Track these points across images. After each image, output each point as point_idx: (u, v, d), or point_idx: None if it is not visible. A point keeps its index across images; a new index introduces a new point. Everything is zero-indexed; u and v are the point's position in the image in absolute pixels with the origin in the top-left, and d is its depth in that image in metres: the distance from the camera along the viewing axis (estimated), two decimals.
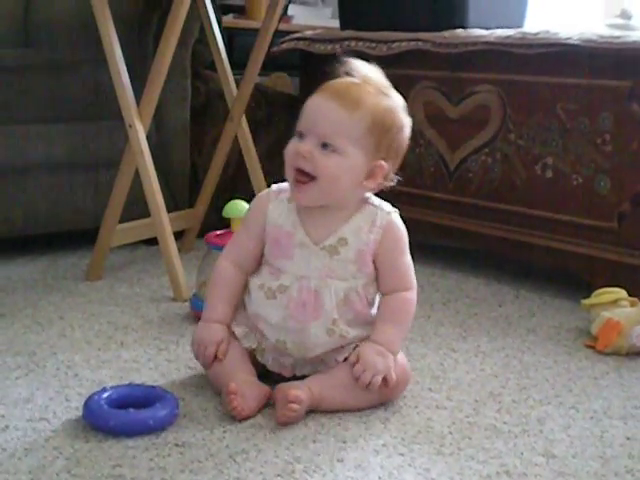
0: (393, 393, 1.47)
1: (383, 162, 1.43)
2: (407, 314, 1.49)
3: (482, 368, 1.67)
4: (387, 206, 1.49)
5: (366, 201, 1.48)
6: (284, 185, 1.50)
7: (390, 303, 1.48)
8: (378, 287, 1.49)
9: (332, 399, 1.40)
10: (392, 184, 1.47)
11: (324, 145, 1.39)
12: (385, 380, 1.42)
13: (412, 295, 1.50)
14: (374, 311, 1.49)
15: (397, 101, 1.47)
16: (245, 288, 1.53)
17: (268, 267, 1.49)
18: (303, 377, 1.48)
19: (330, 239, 1.44)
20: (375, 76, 1.47)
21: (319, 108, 1.41)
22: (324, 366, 1.49)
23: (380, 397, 1.45)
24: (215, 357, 1.47)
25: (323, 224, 1.45)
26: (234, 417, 1.38)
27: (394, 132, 1.44)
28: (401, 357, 1.49)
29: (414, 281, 1.51)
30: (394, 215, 1.48)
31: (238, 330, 1.51)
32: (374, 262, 1.47)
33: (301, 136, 1.41)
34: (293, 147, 1.41)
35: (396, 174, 1.48)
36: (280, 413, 1.35)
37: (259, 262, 1.52)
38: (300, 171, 1.40)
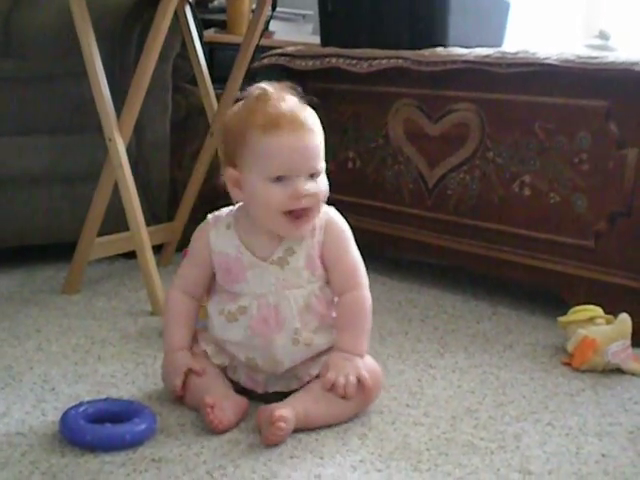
0: (370, 396, 1.48)
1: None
2: (362, 314, 1.50)
3: (459, 384, 1.67)
4: (323, 206, 1.48)
5: None
6: (219, 213, 1.53)
7: (344, 308, 1.49)
8: (331, 289, 1.50)
9: (316, 416, 1.41)
10: None
11: (313, 174, 1.41)
12: (359, 382, 1.43)
13: (364, 292, 1.50)
14: (334, 312, 1.51)
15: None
16: (198, 313, 1.56)
17: (224, 293, 1.50)
18: (275, 394, 1.49)
19: (277, 252, 1.46)
20: (288, 91, 1.46)
21: (298, 147, 1.39)
22: (297, 381, 1.49)
23: (359, 404, 1.46)
24: (184, 387, 1.47)
25: (267, 240, 1.46)
26: (213, 430, 1.38)
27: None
28: (370, 361, 1.50)
29: (364, 278, 1.51)
30: (332, 212, 1.50)
31: (209, 348, 1.52)
32: (322, 263, 1.48)
33: (282, 179, 1.39)
34: (281, 193, 1.39)
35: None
36: (268, 433, 1.34)
37: (207, 288, 1.54)
38: (298, 211, 1.41)
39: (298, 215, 1.42)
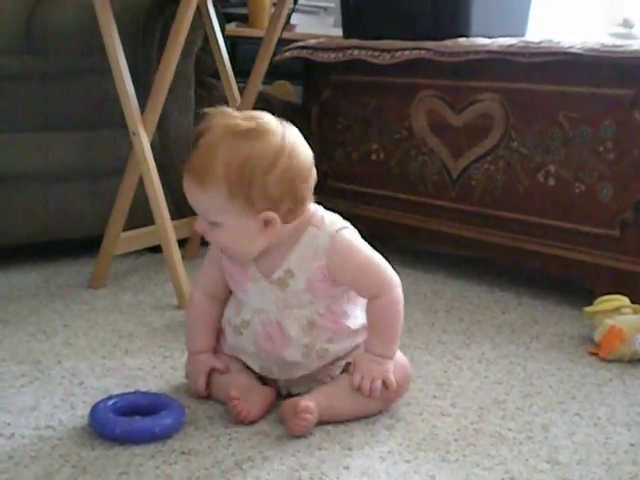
0: (397, 394, 1.47)
1: (270, 213, 1.34)
2: (394, 318, 1.45)
3: (486, 375, 1.67)
4: (329, 226, 1.41)
5: (309, 222, 1.41)
6: None
7: (374, 313, 1.45)
8: (360, 296, 1.47)
9: (341, 409, 1.40)
10: (311, 211, 1.41)
11: (209, 222, 1.38)
12: (385, 384, 1.42)
13: (391, 297, 1.43)
14: (353, 320, 1.46)
15: (260, 135, 1.34)
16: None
17: (234, 301, 1.50)
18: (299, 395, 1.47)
19: (278, 272, 1.41)
20: (230, 117, 1.37)
21: (188, 192, 1.37)
22: (318, 383, 1.47)
23: (384, 402, 1.46)
24: (207, 388, 1.48)
25: (271, 257, 1.42)
26: (241, 422, 1.38)
27: (261, 180, 1.33)
28: (399, 356, 1.48)
29: (390, 281, 1.43)
30: (335, 234, 1.40)
31: (228, 351, 1.52)
32: (336, 284, 1.42)
33: None
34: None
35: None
36: (292, 423, 1.34)
37: (229, 289, 1.52)
38: None
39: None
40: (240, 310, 1.47)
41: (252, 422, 1.39)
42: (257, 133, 1.33)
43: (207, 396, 1.49)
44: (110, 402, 1.38)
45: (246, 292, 1.45)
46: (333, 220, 1.43)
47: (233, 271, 1.46)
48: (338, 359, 1.47)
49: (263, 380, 1.50)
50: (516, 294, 2.25)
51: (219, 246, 1.42)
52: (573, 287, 2.21)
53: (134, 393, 1.46)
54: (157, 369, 1.64)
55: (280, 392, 1.50)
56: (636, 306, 1.87)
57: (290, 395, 1.49)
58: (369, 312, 1.46)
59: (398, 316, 1.46)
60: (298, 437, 1.35)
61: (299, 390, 1.49)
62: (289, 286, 1.41)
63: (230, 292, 1.52)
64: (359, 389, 1.41)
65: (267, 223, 1.35)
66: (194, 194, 1.36)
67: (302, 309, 1.43)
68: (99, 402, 1.38)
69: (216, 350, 1.52)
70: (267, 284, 1.42)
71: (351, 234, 1.43)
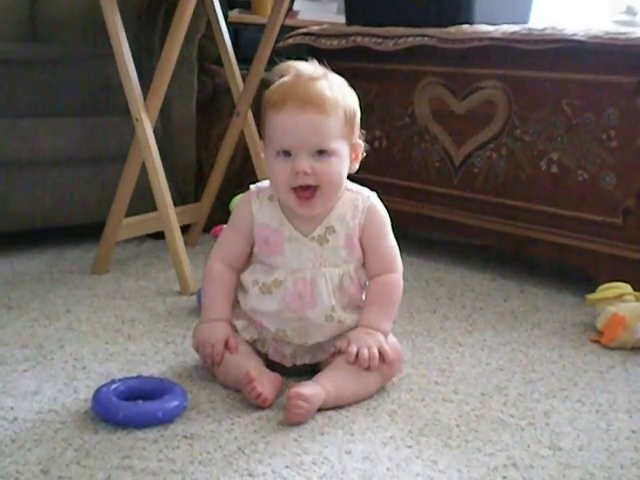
0: (392, 369, 1.50)
1: (359, 140, 1.49)
2: (392, 294, 1.52)
3: (488, 362, 1.67)
4: (366, 190, 1.52)
5: (346, 188, 1.50)
6: (262, 184, 1.53)
7: (375, 286, 1.51)
8: (366, 271, 1.52)
9: (346, 392, 1.42)
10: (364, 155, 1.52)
11: (320, 153, 1.41)
12: (381, 355, 1.44)
13: (397, 277, 1.52)
14: (363, 296, 1.52)
15: (341, 81, 1.49)
16: (238, 285, 1.55)
17: (260, 264, 1.51)
18: (304, 366, 1.51)
19: (318, 229, 1.47)
20: (318, 70, 1.47)
21: (299, 123, 1.40)
22: (324, 353, 1.51)
23: (383, 376, 1.48)
24: (222, 355, 1.48)
25: (310, 217, 1.47)
26: (259, 404, 1.39)
27: (357, 112, 1.49)
28: (390, 337, 1.51)
29: (399, 263, 1.54)
30: (374, 198, 1.52)
31: (238, 323, 1.53)
32: (361, 245, 1.50)
33: (287, 154, 1.42)
34: (286, 168, 1.41)
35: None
36: (286, 411, 1.35)
37: (248, 260, 1.54)
38: (302, 187, 1.42)
39: (303, 194, 1.42)
40: (273, 271, 1.48)
41: (268, 406, 1.40)
42: (335, 75, 1.49)
43: (213, 365, 1.49)
44: (113, 386, 1.38)
45: (282, 253, 1.47)
46: (363, 188, 1.53)
47: (268, 234, 1.49)
48: (345, 330, 1.49)
49: (266, 361, 1.51)
50: (518, 281, 2.25)
51: (329, 178, 1.42)
52: (575, 275, 2.21)
53: (137, 378, 1.46)
54: (159, 354, 1.65)
55: (282, 365, 1.52)
56: (638, 293, 1.88)
57: (294, 367, 1.51)
58: (372, 286, 1.51)
59: (397, 296, 1.53)
60: (293, 424, 1.35)
61: (304, 360, 1.52)
62: (329, 242, 1.47)
63: (247, 264, 1.54)
64: (357, 360, 1.42)
65: (355, 153, 1.48)
66: (315, 121, 1.40)
67: (336, 268, 1.48)
68: (102, 386, 1.38)
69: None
70: (306, 241, 1.47)
71: (382, 206, 1.53)
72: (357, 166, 1.50)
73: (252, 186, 1.55)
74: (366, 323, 1.48)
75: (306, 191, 1.42)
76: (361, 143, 1.50)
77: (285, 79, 1.45)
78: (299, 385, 1.37)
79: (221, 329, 1.50)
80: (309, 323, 1.48)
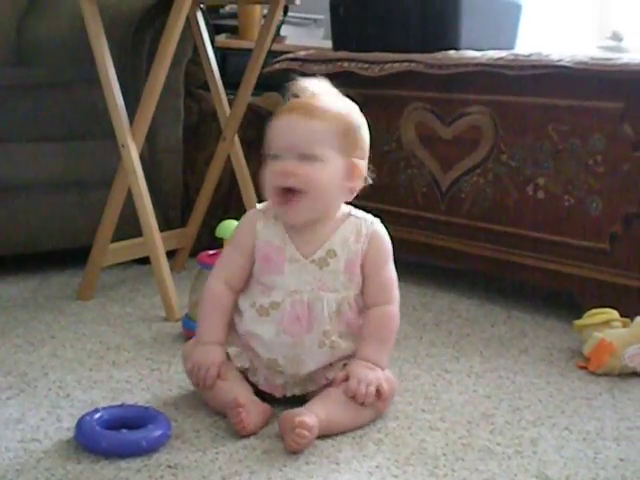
0: (385, 405, 1.49)
1: (358, 160, 1.48)
2: (390, 329, 1.52)
3: (475, 389, 1.66)
4: (370, 217, 1.52)
5: (349, 214, 1.51)
6: (267, 204, 1.53)
7: (374, 319, 1.50)
8: (363, 299, 1.51)
9: (338, 422, 1.41)
10: (370, 182, 1.52)
11: (304, 157, 1.42)
12: (378, 392, 1.44)
13: (394, 309, 1.52)
14: (360, 322, 1.51)
15: (352, 104, 1.52)
16: (235, 307, 1.54)
17: (258, 285, 1.50)
18: (294, 397, 1.49)
19: (319, 252, 1.47)
20: (324, 86, 1.51)
21: (289, 126, 1.43)
22: (314, 385, 1.50)
23: (374, 411, 1.47)
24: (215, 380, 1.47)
25: (311, 238, 1.48)
26: (239, 432, 1.38)
27: (360, 130, 1.49)
28: (386, 370, 1.51)
29: (396, 294, 1.53)
30: (378, 225, 1.52)
31: (231, 350, 1.52)
32: (361, 272, 1.49)
33: (276, 158, 1.44)
34: (274, 169, 1.43)
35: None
36: (289, 439, 1.33)
37: (247, 281, 1.53)
38: (287, 190, 1.42)
39: (288, 198, 1.43)
40: (270, 292, 1.48)
41: (248, 435, 1.38)
42: (348, 100, 1.52)
43: (204, 388, 1.48)
44: (96, 415, 1.37)
45: (281, 273, 1.47)
46: (367, 214, 1.53)
47: (269, 251, 1.48)
48: (337, 360, 1.49)
49: (257, 390, 1.50)
50: (505, 307, 2.25)
51: (307, 184, 1.42)
52: (562, 300, 2.21)
53: (121, 406, 1.45)
54: (144, 382, 1.63)
55: (273, 395, 1.50)
56: (625, 319, 1.87)
57: (285, 397, 1.50)
58: (369, 318, 1.50)
59: (395, 329, 1.53)
60: (285, 451, 1.33)
61: (295, 391, 1.51)
62: (329, 265, 1.46)
63: (246, 284, 1.53)
64: (354, 395, 1.42)
65: (349, 175, 1.46)
66: (302, 123, 1.42)
67: (335, 293, 1.47)
68: (85, 415, 1.37)
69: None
70: (306, 263, 1.46)
71: (386, 233, 1.53)
72: (355, 188, 1.49)
73: (258, 205, 1.55)
74: (365, 357, 1.47)
75: (289, 195, 1.43)
76: (360, 165, 1.48)
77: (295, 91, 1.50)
78: (297, 412, 1.36)
79: (217, 353, 1.49)
80: (303, 350, 1.46)
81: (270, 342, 1.47)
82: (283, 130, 1.44)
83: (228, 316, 1.53)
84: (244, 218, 1.56)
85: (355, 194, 1.50)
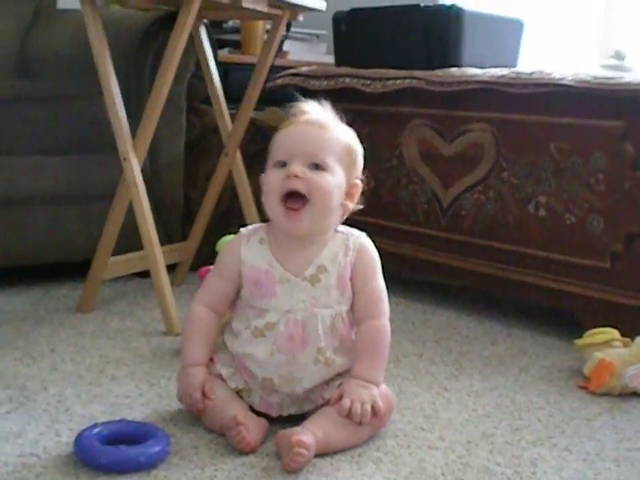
0: (382, 421, 1.48)
1: (358, 182, 1.50)
2: (382, 344, 1.51)
3: (474, 408, 1.66)
4: (356, 231, 1.53)
5: (335, 230, 1.52)
6: (252, 228, 1.54)
7: (364, 334, 1.49)
8: (353, 313, 1.51)
9: (336, 440, 1.40)
10: (360, 207, 1.53)
11: (315, 166, 1.43)
12: (373, 409, 1.43)
13: (384, 322, 1.51)
14: (354, 336, 1.51)
15: (348, 129, 1.53)
16: (225, 330, 1.55)
17: (250, 309, 1.50)
18: (289, 417, 1.49)
19: (310, 269, 1.47)
20: (324, 110, 1.52)
21: (302, 133, 1.45)
22: (310, 404, 1.50)
23: (372, 429, 1.46)
24: (204, 398, 1.47)
25: (300, 257, 1.47)
26: (241, 450, 1.37)
27: (360, 155, 1.52)
28: (383, 385, 1.50)
29: (386, 307, 1.52)
30: (364, 238, 1.52)
31: (224, 371, 1.52)
32: (351, 285, 1.49)
33: (283, 165, 1.44)
34: (280, 173, 1.43)
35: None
36: (288, 459, 1.32)
37: (230, 305, 1.54)
38: (292, 196, 1.42)
39: (292, 205, 1.43)
40: (264, 315, 1.47)
41: (251, 452, 1.38)
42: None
43: (199, 412, 1.47)
44: (95, 430, 1.37)
45: (274, 295, 1.46)
46: (353, 229, 1.54)
47: (259, 276, 1.47)
48: (332, 379, 1.49)
49: (252, 410, 1.49)
50: (505, 325, 2.25)
51: (314, 191, 1.42)
52: (563, 319, 2.21)
53: (119, 421, 1.44)
54: (143, 396, 1.63)
55: (268, 415, 1.49)
56: (626, 339, 1.87)
57: (281, 417, 1.49)
58: (360, 335, 1.50)
59: (387, 343, 1.51)
60: (292, 472, 1.33)
61: (290, 411, 1.50)
62: (321, 281, 1.46)
63: (229, 308, 1.54)
64: (349, 414, 1.41)
65: (349, 194, 1.49)
66: (319, 133, 1.45)
67: (329, 309, 1.47)
68: (84, 430, 1.37)
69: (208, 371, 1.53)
70: (298, 282, 1.46)
71: (374, 247, 1.53)
72: (351, 208, 1.50)
73: (242, 229, 1.55)
74: (359, 375, 1.46)
75: (295, 202, 1.42)
76: (359, 184, 1.51)
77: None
78: (295, 432, 1.35)
79: (198, 374, 1.49)
80: (297, 368, 1.46)
81: (265, 361, 1.47)
82: (295, 137, 1.45)
83: (211, 338, 1.54)
84: (228, 244, 1.56)
85: (346, 216, 1.51)
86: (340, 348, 1.48)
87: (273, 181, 1.44)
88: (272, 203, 1.45)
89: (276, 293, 1.46)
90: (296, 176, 1.41)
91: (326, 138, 1.44)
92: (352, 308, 1.50)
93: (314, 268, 1.47)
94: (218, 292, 1.53)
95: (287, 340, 1.45)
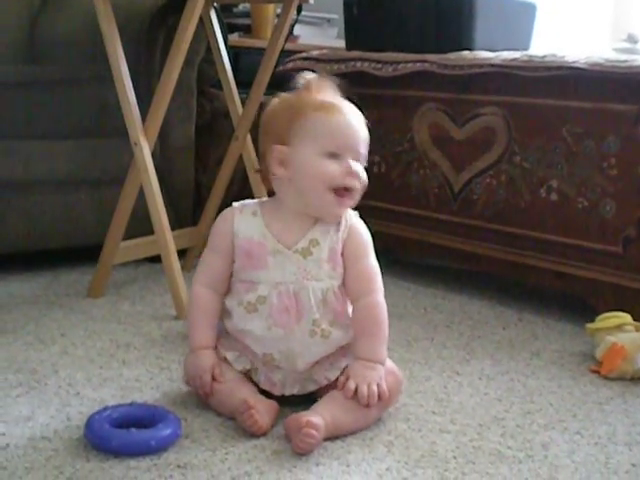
0: (390, 399, 1.48)
1: None
2: (379, 320, 1.49)
3: (486, 392, 1.66)
4: (348, 211, 1.52)
5: None
6: (246, 202, 1.53)
7: (361, 314, 1.49)
8: (346, 292, 1.50)
9: (344, 423, 1.40)
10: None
11: (358, 158, 1.47)
12: (378, 392, 1.43)
13: (378, 298, 1.50)
14: (349, 309, 1.50)
15: None
16: (223, 309, 1.54)
17: (241, 284, 1.49)
18: (296, 399, 1.49)
19: (302, 242, 1.47)
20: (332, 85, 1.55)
21: (349, 127, 1.46)
22: (314, 384, 1.50)
23: (379, 409, 1.46)
24: (213, 382, 1.47)
25: (292, 230, 1.48)
26: (253, 433, 1.37)
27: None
28: (390, 364, 1.50)
29: (379, 283, 1.51)
30: (356, 218, 1.53)
31: (229, 355, 1.51)
32: (343, 261, 1.49)
33: (334, 156, 1.44)
34: (334, 165, 1.44)
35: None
36: (297, 440, 1.32)
37: (229, 282, 1.53)
38: (345, 189, 1.45)
39: (344, 194, 1.45)
40: (255, 288, 1.47)
41: (263, 434, 1.38)
42: None
43: (207, 395, 1.48)
44: (106, 413, 1.37)
45: (265, 267, 1.46)
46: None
47: (252, 247, 1.48)
48: (336, 359, 1.49)
49: (258, 389, 1.49)
50: (517, 310, 2.24)
51: (362, 183, 1.47)
52: (574, 303, 2.20)
53: (130, 404, 1.45)
54: (154, 380, 1.63)
55: (271, 393, 1.49)
56: (638, 323, 1.86)
57: (284, 396, 1.49)
58: (356, 314, 1.49)
59: (384, 319, 1.50)
60: (302, 454, 1.33)
61: (293, 390, 1.50)
62: (312, 255, 1.46)
63: (228, 286, 1.53)
64: (355, 396, 1.41)
65: None
66: (359, 125, 1.48)
67: (320, 282, 1.47)
68: (95, 413, 1.37)
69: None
70: (290, 254, 1.46)
71: (365, 226, 1.54)
72: None
73: (235, 203, 1.54)
74: (362, 355, 1.46)
75: (347, 192, 1.45)
76: None
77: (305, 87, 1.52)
78: (304, 414, 1.35)
79: (207, 358, 1.49)
80: (295, 342, 1.46)
81: (262, 337, 1.47)
82: (347, 130, 1.46)
83: (215, 319, 1.54)
84: (219, 219, 1.55)
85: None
86: (335, 322, 1.48)
87: (328, 172, 1.44)
88: (319, 190, 1.44)
89: (267, 264, 1.46)
90: (357, 174, 1.45)
91: (365, 132, 1.49)
92: (344, 284, 1.49)
93: (306, 241, 1.47)
94: (214, 269, 1.52)
95: (282, 312, 1.45)
